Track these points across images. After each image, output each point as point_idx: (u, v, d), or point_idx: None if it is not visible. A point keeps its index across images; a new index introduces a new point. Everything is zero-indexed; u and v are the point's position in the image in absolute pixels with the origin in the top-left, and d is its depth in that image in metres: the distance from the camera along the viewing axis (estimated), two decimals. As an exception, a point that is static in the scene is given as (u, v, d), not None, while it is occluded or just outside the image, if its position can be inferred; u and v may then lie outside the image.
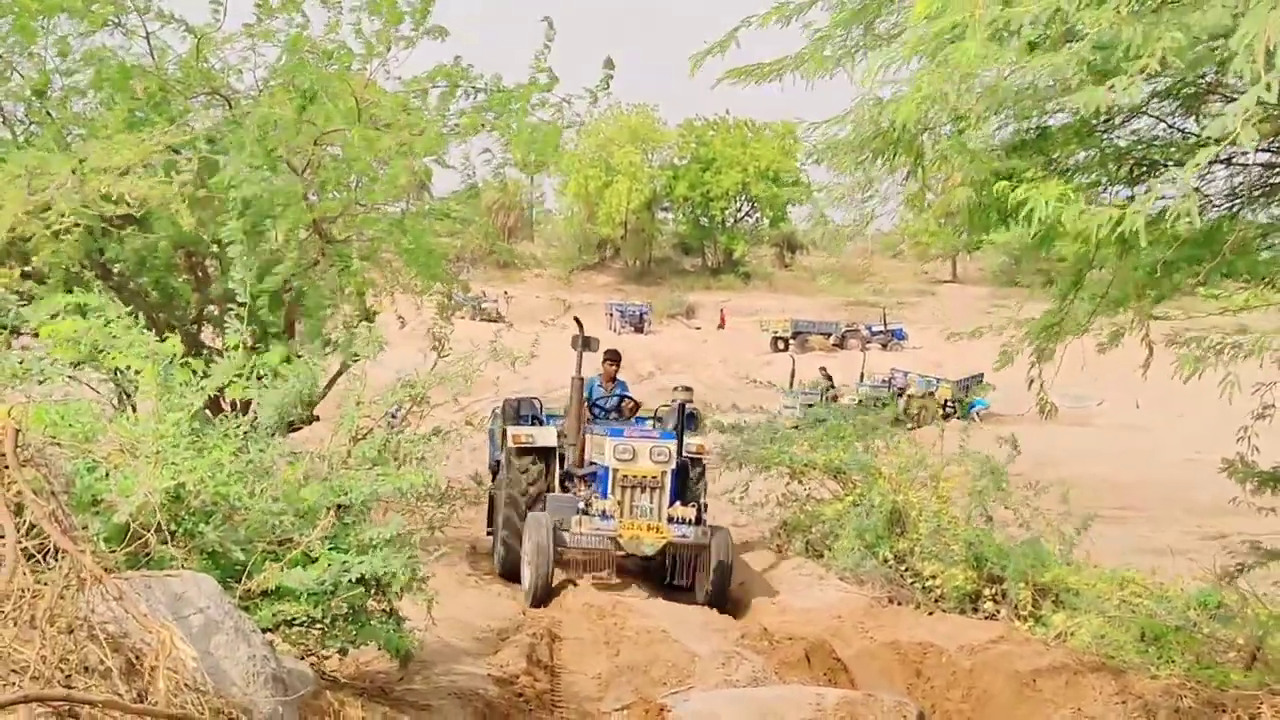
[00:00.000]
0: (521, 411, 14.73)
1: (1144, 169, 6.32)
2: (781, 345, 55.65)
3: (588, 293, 70.50)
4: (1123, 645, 8.59)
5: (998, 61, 4.15)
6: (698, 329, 62.91)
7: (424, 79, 12.18)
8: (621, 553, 12.07)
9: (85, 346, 5.71)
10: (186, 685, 3.92)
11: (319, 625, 5.46)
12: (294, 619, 5.32)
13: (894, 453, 14.10)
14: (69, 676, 3.84)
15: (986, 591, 11.59)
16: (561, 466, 13.71)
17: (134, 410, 5.98)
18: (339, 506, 5.56)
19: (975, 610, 11.34)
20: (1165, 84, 5.90)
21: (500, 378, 10.87)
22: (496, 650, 7.60)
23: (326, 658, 5.71)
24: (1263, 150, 5.99)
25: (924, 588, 11.73)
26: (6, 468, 4.07)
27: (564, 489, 13.55)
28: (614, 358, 14.80)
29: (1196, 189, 6.46)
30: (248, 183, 10.40)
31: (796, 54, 5.61)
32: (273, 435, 6.04)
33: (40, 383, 5.76)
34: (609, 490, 12.34)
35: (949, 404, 37.53)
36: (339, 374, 13.02)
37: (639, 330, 60.79)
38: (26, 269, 9.70)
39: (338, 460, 6.05)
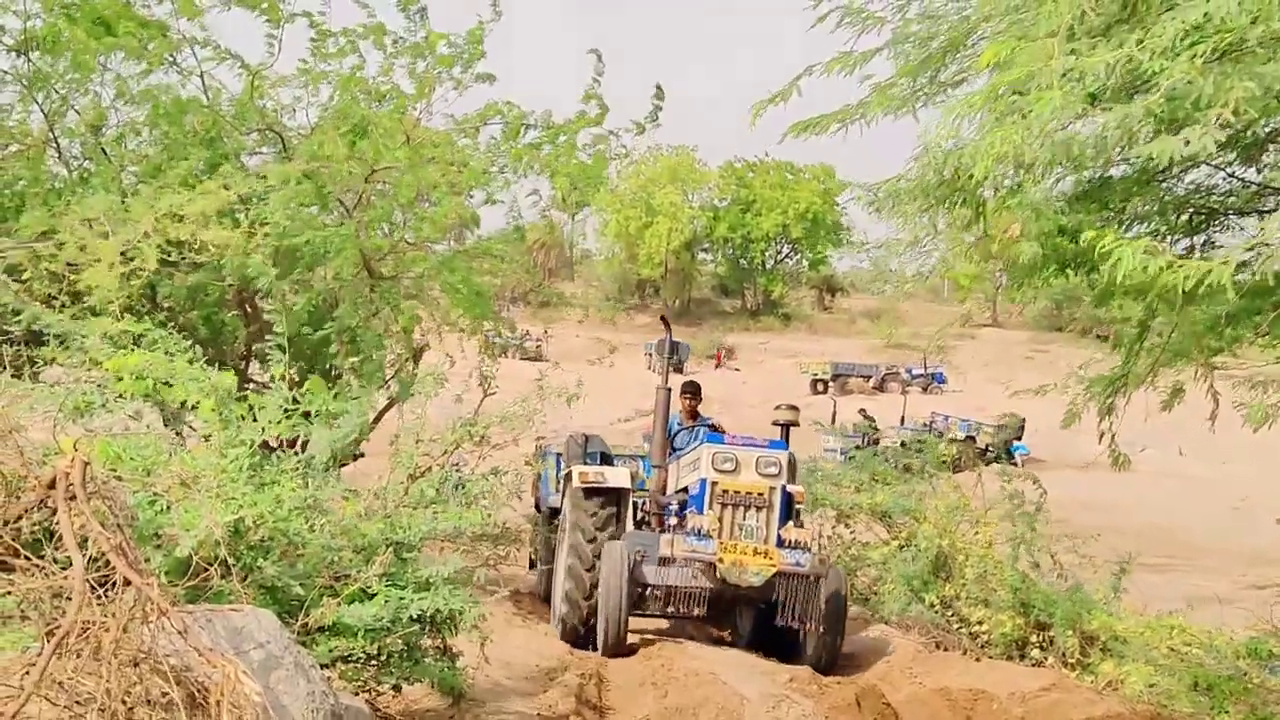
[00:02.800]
0: (590, 448, 13.08)
1: (1203, 218, 6.31)
2: (821, 388, 55.53)
3: (627, 333, 70.65)
4: (1175, 694, 8.50)
5: (1073, 112, 4.15)
6: (737, 370, 62.88)
7: (475, 118, 12.33)
8: (715, 585, 10.03)
9: (149, 381, 5.78)
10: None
11: (375, 662, 5.47)
12: (350, 655, 5.34)
13: (938, 496, 14.04)
14: (132, 709, 3.87)
15: (1033, 638, 11.50)
16: (635, 513, 12.14)
17: (183, 442, 6.00)
18: (397, 543, 5.59)
19: (1022, 657, 11.25)
20: (1225, 134, 5.90)
21: (543, 418, 10.69)
22: (545, 690, 7.58)
23: (380, 694, 5.72)
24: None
25: (971, 634, 11.64)
26: (73, 499, 4.11)
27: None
28: (693, 390, 13.03)
29: (1256, 240, 6.47)
30: (293, 227, 10.60)
31: (859, 103, 5.63)
32: (327, 472, 6.09)
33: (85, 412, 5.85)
34: (705, 507, 10.34)
35: (989, 448, 37.41)
36: (385, 409, 13.14)
37: (678, 370, 60.80)
38: (79, 301, 9.89)
39: (395, 497, 6.09)
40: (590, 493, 11.57)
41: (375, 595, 5.33)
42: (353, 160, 11.21)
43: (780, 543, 10.06)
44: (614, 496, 11.63)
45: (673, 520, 10.70)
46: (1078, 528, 13.04)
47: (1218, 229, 6.42)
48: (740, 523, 10.24)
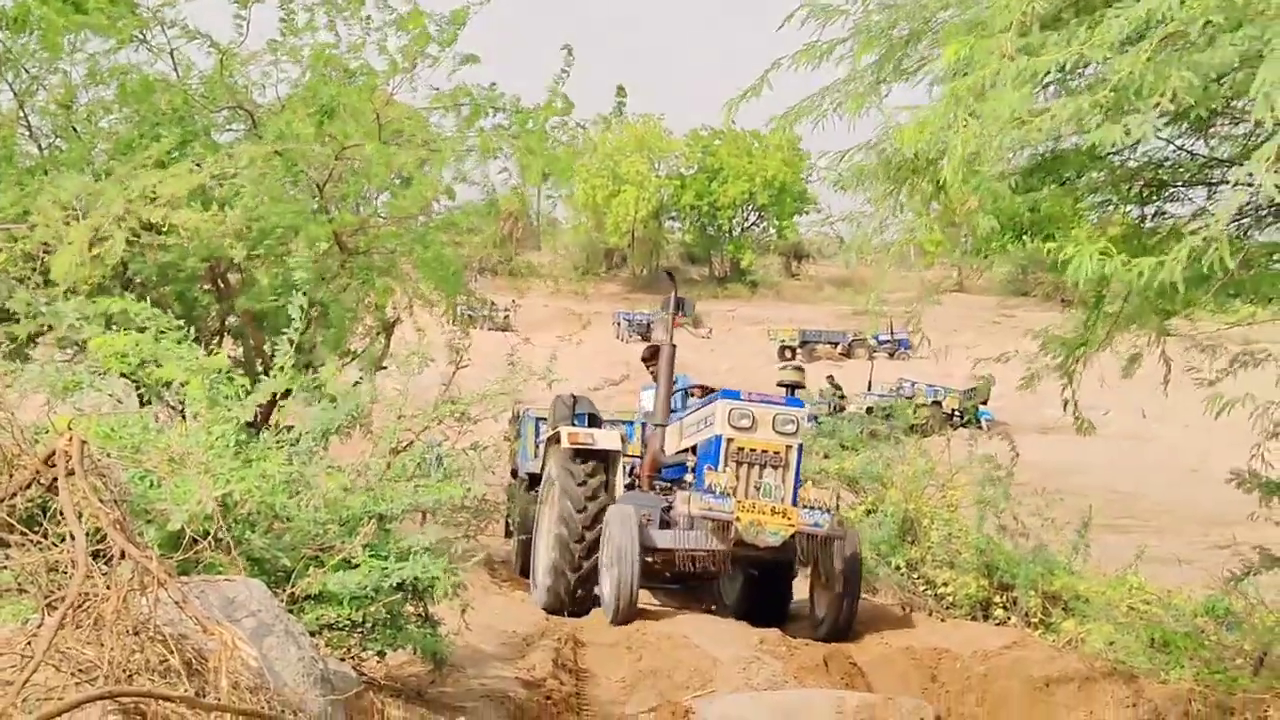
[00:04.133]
0: (578, 409, 12.61)
1: (1153, 189, 6.52)
2: (789, 354, 55.85)
3: (595, 302, 70.72)
4: (1133, 651, 8.78)
5: (1028, 110, 4.35)
6: (706, 337, 63.13)
7: (446, 97, 12.42)
8: (728, 546, 9.69)
9: (135, 359, 5.93)
10: (246, 685, 4.13)
11: (359, 629, 5.67)
12: (335, 623, 5.53)
13: (905, 462, 14.30)
14: (130, 677, 4.04)
15: (997, 599, 11.82)
16: (627, 475, 11.66)
17: (170, 420, 6.16)
18: (379, 515, 5.78)
19: (986, 617, 11.55)
20: (1164, 120, 6.11)
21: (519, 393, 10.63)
22: (523, 655, 7.80)
23: (364, 660, 5.91)
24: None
25: (936, 595, 11.92)
26: (72, 475, 4.27)
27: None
28: (652, 354, 12.66)
29: (1204, 209, 6.71)
30: (262, 208, 10.70)
31: (829, 88, 5.81)
32: (315, 448, 6.26)
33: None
34: (720, 464, 9.93)
35: (956, 413, 37.82)
36: (355, 384, 13.27)
37: (646, 339, 61.06)
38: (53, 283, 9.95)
39: (378, 471, 6.27)
40: (579, 455, 11.14)
41: (359, 565, 5.52)
42: (321, 139, 11.29)
43: (797, 502, 9.84)
44: (603, 460, 11.26)
45: (688, 477, 10.49)
46: (1039, 490, 13.31)
47: (1168, 199, 6.64)
48: (757, 482, 9.94)
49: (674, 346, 11.28)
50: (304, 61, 11.97)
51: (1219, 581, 11.56)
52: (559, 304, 61.83)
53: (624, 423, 13.13)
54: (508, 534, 13.95)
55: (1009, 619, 11.38)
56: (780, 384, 11.12)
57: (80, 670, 4.01)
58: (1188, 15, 3.95)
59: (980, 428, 33.98)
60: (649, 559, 9.96)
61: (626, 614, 9.68)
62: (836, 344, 58.17)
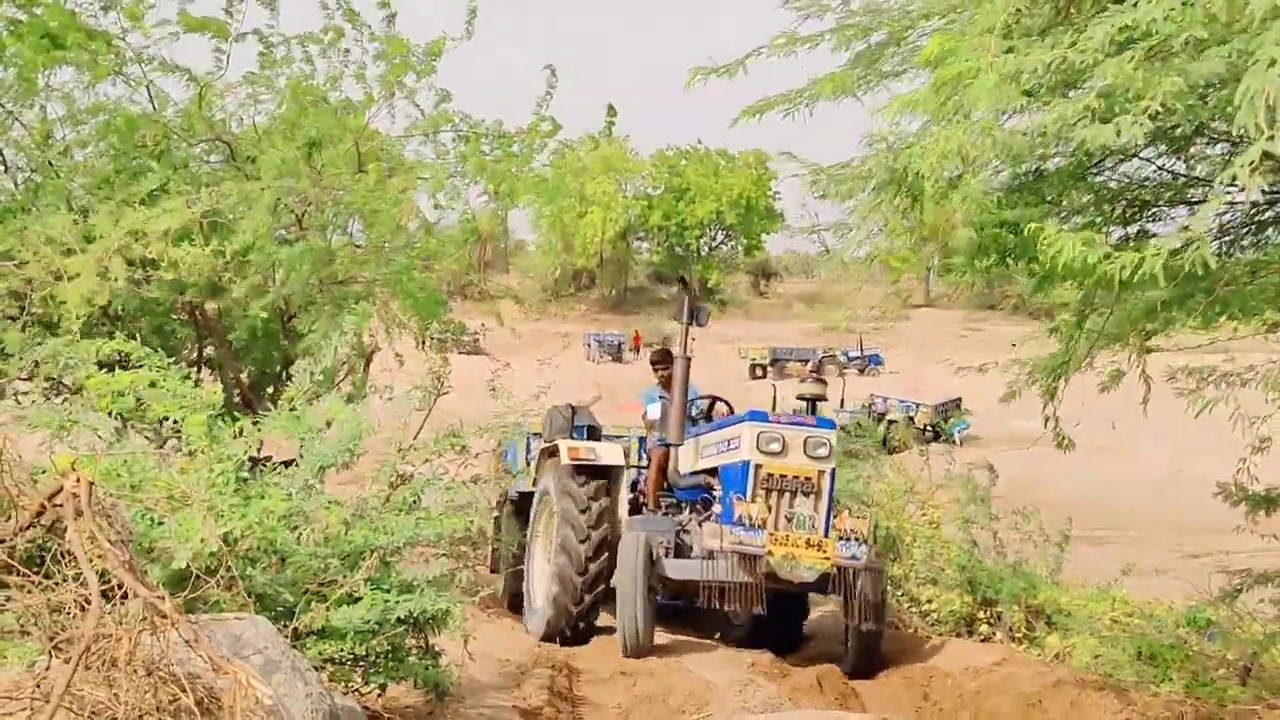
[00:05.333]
0: (577, 421, 11.68)
1: (1135, 209, 6.63)
2: (760, 372, 56.06)
3: (565, 323, 70.79)
4: (1120, 664, 8.86)
5: (1011, 105, 4.43)
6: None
7: (425, 124, 12.47)
8: (755, 580, 8.98)
9: (131, 398, 5.94)
10: (264, 722, 4.14)
11: (362, 663, 5.67)
12: (338, 657, 5.53)
13: (883, 479, 14.36)
14: (142, 718, 4.05)
15: (981, 614, 11.88)
16: (631, 492, 11.01)
17: (167, 458, 6.16)
18: (380, 549, 5.80)
19: (970, 633, 11.61)
20: (1155, 127, 6.22)
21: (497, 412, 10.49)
22: (518, 684, 7.81)
23: (365, 694, 5.92)
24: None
25: (921, 613, 11.98)
26: (80, 516, 4.28)
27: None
28: (661, 358, 11.83)
29: (1186, 228, 6.82)
30: (270, 245, 10.75)
31: (806, 86, 5.89)
32: (313, 483, 6.28)
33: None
34: (748, 493, 9.24)
35: (929, 428, 38.04)
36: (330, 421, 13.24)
37: (616, 359, 61.18)
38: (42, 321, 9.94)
39: (377, 504, 6.29)
40: (580, 471, 10.39)
41: (361, 599, 5.54)
42: (309, 173, 11.36)
43: (830, 533, 9.19)
44: (606, 477, 10.54)
45: (715, 508, 9.61)
46: (1014, 503, 13.41)
47: (1150, 219, 6.75)
48: (789, 511, 9.27)
49: (689, 359, 10.46)
50: (282, 93, 12.04)
51: (1199, 593, 11.70)
52: (530, 326, 61.83)
53: (619, 437, 12.31)
54: (494, 569, 12.95)
55: (994, 634, 11.45)
56: (801, 397, 10.18)
57: (93, 713, 4.02)
58: (1172, 29, 4.04)
59: (954, 443, 34.15)
60: (663, 589, 9.54)
61: (638, 650, 9.18)
62: (807, 361, 58.35)
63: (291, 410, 6.75)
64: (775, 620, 10.10)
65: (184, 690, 4.04)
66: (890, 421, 37.07)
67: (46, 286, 8.84)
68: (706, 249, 79.09)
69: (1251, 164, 3.78)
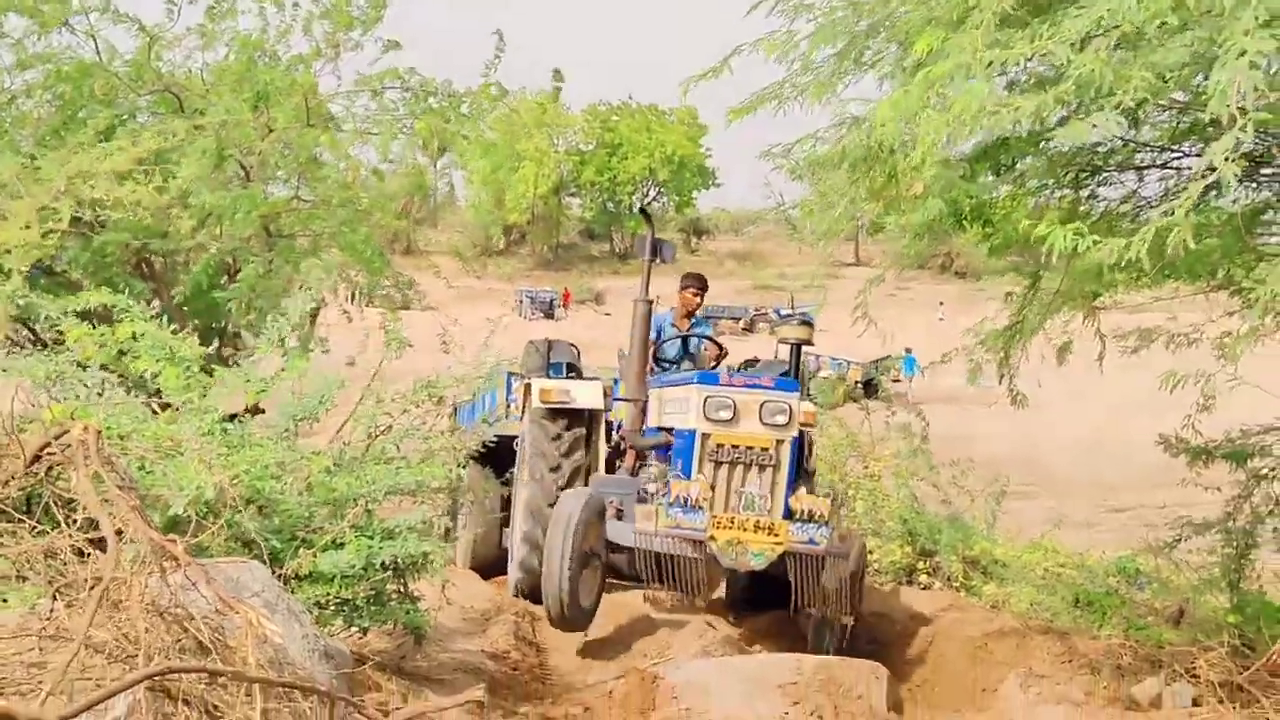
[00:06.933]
0: (554, 358, 10.33)
1: (1086, 174, 6.91)
2: (690, 329, 56.40)
3: (496, 280, 70.64)
4: (1058, 611, 9.24)
5: (995, 102, 4.66)
6: (608, 315, 63.44)
7: (374, 79, 12.52)
8: (707, 559, 7.87)
9: (112, 349, 6.04)
10: (266, 662, 4.30)
11: (346, 607, 5.84)
12: (324, 601, 5.70)
13: (824, 434, 14.70)
14: (153, 658, 4.19)
15: (920, 565, 12.27)
16: (609, 440, 9.74)
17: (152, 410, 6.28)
18: (362, 497, 5.97)
19: (910, 583, 12.00)
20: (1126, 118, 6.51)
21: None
22: (483, 630, 8.01)
23: (346, 639, 6.10)
24: (1195, 155, 6.60)
25: (864, 563, 12.34)
26: (89, 463, 4.40)
27: (611, 470, 9.63)
28: (699, 284, 10.22)
29: (1134, 191, 7.14)
30: (207, 191, 10.78)
31: (788, 81, 6.08)
32: (287, 435, 6.42)
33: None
34: (694, 467, 8.12)
35: (859, 384, 38.71)
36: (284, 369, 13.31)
37: (549, 316, 61.31)
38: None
39: (357, 454, 6.45)
40: (555, 414, 9.49)
41: (346, 545, 5.71)
42: (258, 124, 11.39)
43: (788, 513, 8.01)
44: (581, 422, 9.61)
45: (649, 489, 8.48)
46: (945, 459, 13.80)
47: (1099, 184, 7.04)
48: (739, 488, 8.11)
49: (650, 302, 9.44)
50: (232, 45, 12.06)
51: (1129, 544, 12.18)
52: (461, 282, 61.62)
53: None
54: (446, 535, 11.55)
55: (933, 584, 11.83)
56: (783, 341, 8.84)
57: (104, 652, 4.16)
58: (1143, 16, 4.27)
59: (877, 398, 34.79)
60: (612, 556, 8.43)
61: (564, 622, 7.94)
62: (739, 319, 58.84)
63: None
64: (766, 588, 8.87)
65: (198, 631, 4.20)
66: (823, 378, 37.64)
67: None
68: (638, 205, 79.17)
69: (1226, 151, 4.03)
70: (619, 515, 8.33)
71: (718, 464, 8.09)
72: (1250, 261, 6.72)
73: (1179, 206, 4.25)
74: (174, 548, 4.22)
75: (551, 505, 8.72)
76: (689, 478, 8.00)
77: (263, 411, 10.97)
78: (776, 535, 7.80)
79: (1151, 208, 6.82)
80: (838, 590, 7.95)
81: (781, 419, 8.13)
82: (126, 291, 12.21)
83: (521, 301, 62.01)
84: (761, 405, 8.12)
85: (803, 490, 8.11)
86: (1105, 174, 6.89)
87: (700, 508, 7.79)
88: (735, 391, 8.18)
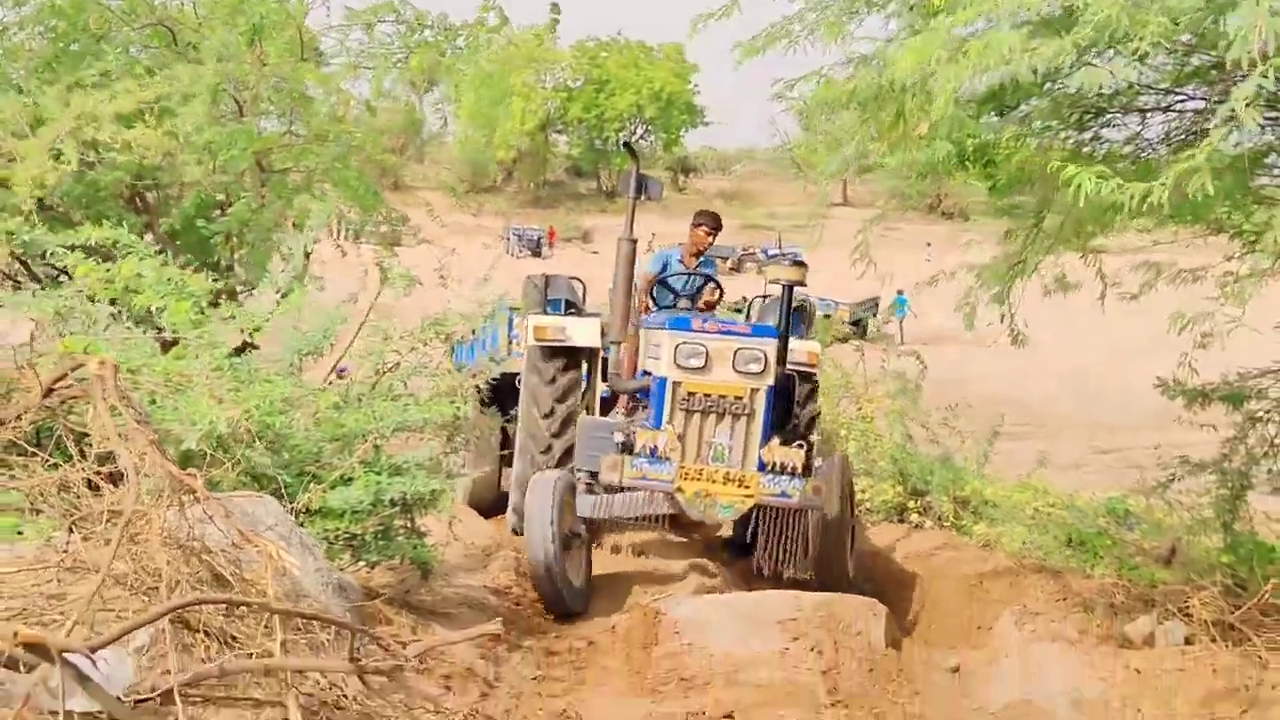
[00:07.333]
0: (552, 294, 9.85)
1: (1091, 115, 6.92)
2: (679, 269, 56.30)
3: (482, 217, 70.22)
4: (1050, 550, 9.34)
5: (1021, 49, 4.67)
6: (595, 253, 63.29)
7: (367, 13, 12.44)
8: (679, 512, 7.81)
9: (119, 285, 6.05)
10: (285, 593, 4.37)
11: (354, 542, 5.91)
12: (333, 536, 5.76)
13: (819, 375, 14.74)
14: (173, 589, 4.24)
15: (911, 504, 12.37)
16: (605, 379, 9.33)
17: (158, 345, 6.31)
18: (372, 433, 6.02)
19: (902, 522, 12.11)
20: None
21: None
22: (484, 565, 8.09)
23: (354, 573, 6.16)
24: (1198, 99, 6.62)
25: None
26: (107, 398, 4.42)
27: (606, 412, 9.25)
28: (713, 223, 9.83)
29: (1137, 133, 7.15)
30: (206, 127, 10.74)
31: (798, 15, 6.07)
32: (292, 370, 6.46)
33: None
34: (664, 416, 7.91)
35: (851, 325, 38.84)
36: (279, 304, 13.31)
37: (536, 254, 61.14)
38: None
39: (364, 390, 6.48)
40: (551, 353, 9.16)
41: (355, 481, 5.76)
42: (252, 59, 11.32)
43: (761, 466, 7.78)
44: (578, 361, 9.30)
45: (618, 437, 7.99)
46: (935, 399, 13.88)
47: (1103, 125, 7.06)
48: (710, 439, 7.88)
49: (634, 241, 9.05)
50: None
51: (1114, 484, 12.29)
52: (449, 218, 61.32)
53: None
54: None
55: (924, 523, 11.94)
56: (774, 282, 8.51)
57: (125, 585, 4.21)
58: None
59: (864, 340, 34.93)
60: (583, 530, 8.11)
61: (559, 608, 7.64)
62: (726, 258, 58.67)
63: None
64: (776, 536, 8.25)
65: (216, 563, 4.26)
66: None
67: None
68: (624, 140, 78.72)
69: (1247, 98, 4.05)
70: (589, 489, 8.07)
71: (689, 413, 7.90)
72: (1250, 205, 6.80)
73: (1199, 151, 4.26)
74: (193, 481, 4.26)
75: (544, 452, 8.81)
76: (659, 427, 7.84)
77: (257, 348, 11.04)
78: (747, 487, 7.65)
79: (1154, 150, 6.84)
80: (817, 549, 7.94)
81: (756, 367, 7.89)
82: (121, 225, 12.40)
83: (508, 239, 61.77)
84: (735, 352, 7.89)
85: (775, 441, 7.83)
86: (1109, 116, 6.89)
87: (668, 459, 7.65)
88: (708, 338, 7.94)
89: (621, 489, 7.81)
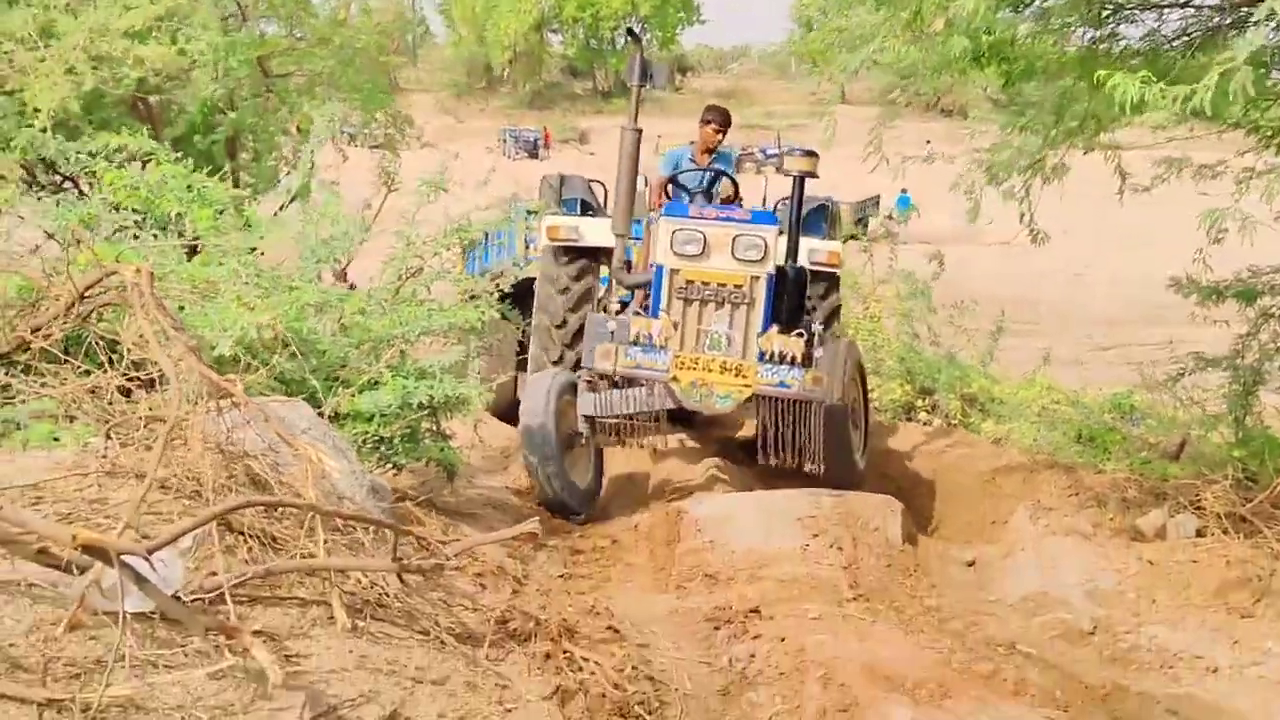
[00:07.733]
0: (567, 194, 9.71)
1: (1110, 11, 6.88)
2: (676, 169, 55.94)
3: (478, 119, 69.71)
4: (1061, 446, 9.46)
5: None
6: (592, 154, 62.87)
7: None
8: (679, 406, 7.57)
9: (143, 192, 6.06)
10: (324, 496, 4.44)
11: (382, 445, 5.97)
12: (361, 440, 5.83)
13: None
14: (215, 491, 4.31)
15: (919, 403, 12.49)
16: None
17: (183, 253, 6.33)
18: (398, 337, 6.07)
19: (910, 420, 12.22)
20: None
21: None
22: (504, 467, 8.18)
23: (381, 474, 6.24)
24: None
25: (864, 401, 12.54)
26: (144, 305, 4.45)
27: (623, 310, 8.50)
28: (722, 119, 9.55)
29: (1155, 30, 7.12)
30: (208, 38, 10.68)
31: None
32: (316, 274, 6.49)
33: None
34: (662, 304, 7.71)
35: (855, 223, 38.70)
36: (283, 208, 13.28)
37: (534, 156, 60.68)
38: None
39: (388, 296, 6.52)
40: (564, 253, 9.06)
41: (383, 385, 5.82)
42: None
43: (760, 355, 7.53)
44: (595, 259, 9.18)
45: (610, 327, 7.71)
46: (942, 298, 13.91)
47: (1120, 22, 7.02)
48: (707, 328, 7.64)
49: (639, 130, 8.49)
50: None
51: (1115, 380, 12.40)
52: (440, 123, 60.86)
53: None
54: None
55: (932, 421, 12.06)
56: (785, 173, 8.06)
57: (169, 488, 4.28)
58: None
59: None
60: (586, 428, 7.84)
61: (562, 510, 7.57)
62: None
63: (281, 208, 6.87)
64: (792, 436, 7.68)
65: (259, 467, 4.32)
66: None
67: (11, 81, 8.78)
68: (621, 42, 77.72)
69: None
70: (591, 387, 7.78)
71: (687, 301, 7.66)
72: (1264, 102, 6.78)
73: (1240, 51, 4.26)
74: (232, 386, 4.31)
75: (557, 362, 8.66)
76: (655, 316, 7.66)
77: (263, 254, 11.06)
78: (744, 377, 7.41)
79: (1170, 47, 6.81)
80: (818, 442, 7.49)
81: (755, 254, 7.60)
82: (127, 132, 12.35)
83: (505, 141, 61.29)
84: (734, 239, 7.62)
85: (775, 330, 7.57)
86: (1128, 11, 6.85)
87: (663, 347, 7.48)
88: (705, 224, 7.70)
89: (616, 382, 7.63)
